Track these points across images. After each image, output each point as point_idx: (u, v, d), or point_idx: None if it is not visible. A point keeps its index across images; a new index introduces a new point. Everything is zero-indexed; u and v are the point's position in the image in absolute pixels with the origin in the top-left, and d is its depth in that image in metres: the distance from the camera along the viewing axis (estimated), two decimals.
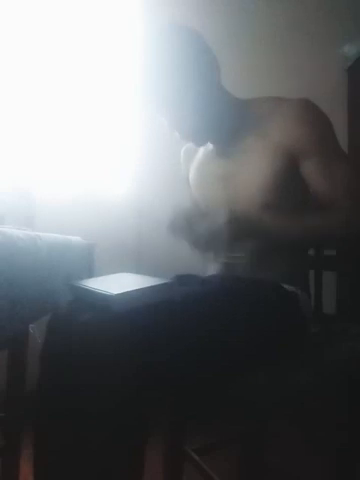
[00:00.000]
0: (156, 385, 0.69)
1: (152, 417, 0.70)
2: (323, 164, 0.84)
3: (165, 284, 0.81)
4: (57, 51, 1.76)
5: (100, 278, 0.91)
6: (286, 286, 0.88)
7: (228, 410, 0.80)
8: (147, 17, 1.75)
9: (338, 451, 0.99)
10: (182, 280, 0.87)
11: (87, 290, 0.80)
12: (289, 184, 0.88)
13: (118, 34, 1.83)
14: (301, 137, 0.84)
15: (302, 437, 1.34)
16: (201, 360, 0.72)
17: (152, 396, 0.69)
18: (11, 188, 1.23)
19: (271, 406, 0.79)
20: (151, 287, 0.79)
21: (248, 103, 0.94)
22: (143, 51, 0.87)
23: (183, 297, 0.76)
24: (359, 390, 0.85)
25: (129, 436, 0.65)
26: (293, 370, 0.80)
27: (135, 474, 0.67)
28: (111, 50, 1.83)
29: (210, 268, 1.05)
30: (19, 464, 1.05)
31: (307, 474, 1.19)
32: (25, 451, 1.05)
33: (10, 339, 0.80)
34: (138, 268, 1.66)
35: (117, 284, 0.83)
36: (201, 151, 1.07)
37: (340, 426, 0.95)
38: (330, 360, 0.86)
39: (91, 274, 1.14)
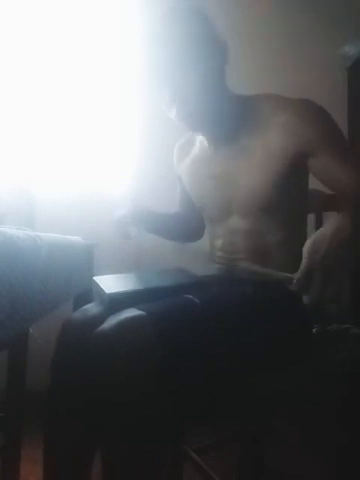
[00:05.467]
0: (170, 387, 0.69)
1: (167, 421, 0.70)
2: (339, 156, 0.84)
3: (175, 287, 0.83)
4: (56, 51, 1.76)
5: (136, 273, 0.95)
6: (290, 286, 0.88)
7: (228, 410, 0.80)
8: (145, 13, 1.75)
9: (338, 451, 0.99)
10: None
11: (97, 285, 0.84)
12: (290, 186, 0.88)
13: (117, 31, 1.83)
14: (309, 136, 0.83)
15: (302, 437, 1.34)
16: (210, 361, 0.72)
17: (167, 398, 0.69)
18: (11, 188, 1.23)
19: (271, 406, 0.79)
20: (149, 289, 0.81)
21: (248, 100, 0.92)
22: (154, 23, 0.86)
23: (202, 301, 0.76)
24: (359, 390, 0.85)
25: (146, 439, 0.65)
26: (293, 370, 0.80)
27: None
28: (110, 50, 1.83)
29: (209, 268, 1.05)
30: (19, 464, 1.05)
31: (307, 474, 1.18)
32: (25, 451, 1.05)
33: (11, 339, 0.80)
34: (138, 268, 1.65)
35: (130, 282, 0.86)
36: (196, 148, 1.05)
37: (340, 426, 0.95)
38: (330, 360, 0.86)
39: (91, 274, 1.14)
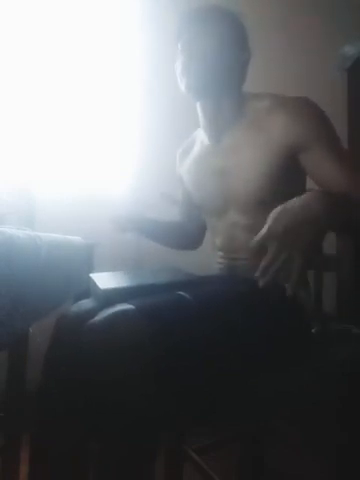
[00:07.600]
0: (168, 387, 0.69)
1: (163, 421, 0.70)
2: (330, 153, 0.84)
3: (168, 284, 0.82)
4: (56, 51, 1.76)
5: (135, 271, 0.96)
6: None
7: (228, 410, 0.80)
8: (146, 14, 1.75)
9: (338, 451, 0.99)
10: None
11: (93, 282, 0.85)
12: (286, 181, 0.88)
13: (117, 33, 1.83)
14: (303, 130, 0.84)
15: (302, 437, 1.34)
16: (210, 361, 0.72)
17: (164, 398, 0.69)
18: (11, 188, 1.23)
19: (271, 406, 0.79)
20: (143, 286, 0.82)
21: (247, 97, 0.95)
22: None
23: (194, 298, 0.76)
24: (359, 390, 0.85)
25: (141, 439, 0.65)
26: (294, 370, 0.80)
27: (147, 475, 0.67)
28: (110, 51, 1.83)
29: (211, 268, 1.06)
30: (19, 464, 1.05)
31: (307, 474, 1.19)
32: (25, 451, 1.05)
33: (11, 339, 0.80)
34: (138, 268, 1.66)
35: (125, 279, 0.87)
36: (197, 147, 1.07)
37: (340, 426, 0.95)
38: (330, 360, 0.86)
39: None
